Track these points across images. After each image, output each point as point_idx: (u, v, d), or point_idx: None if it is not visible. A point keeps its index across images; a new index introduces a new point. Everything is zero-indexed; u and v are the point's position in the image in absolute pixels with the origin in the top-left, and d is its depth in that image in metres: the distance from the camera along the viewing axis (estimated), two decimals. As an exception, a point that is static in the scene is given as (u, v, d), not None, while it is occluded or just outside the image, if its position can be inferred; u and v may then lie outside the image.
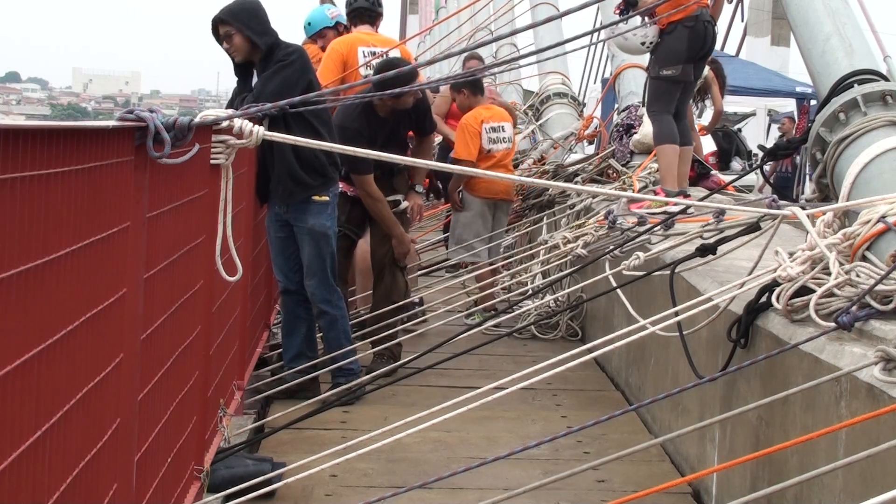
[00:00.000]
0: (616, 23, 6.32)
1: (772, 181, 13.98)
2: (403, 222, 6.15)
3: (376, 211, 5.98)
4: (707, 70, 8.38)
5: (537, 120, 10.54)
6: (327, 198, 5.25)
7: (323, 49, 7.31)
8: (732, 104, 21.22)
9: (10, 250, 1.77)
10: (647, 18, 6.23)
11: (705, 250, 4.19)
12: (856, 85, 4.08)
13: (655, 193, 6.47)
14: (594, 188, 6.65)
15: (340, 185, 5.66)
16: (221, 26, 5.06)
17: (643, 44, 6.35)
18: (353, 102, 5.71)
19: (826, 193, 4.11)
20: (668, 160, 6.39)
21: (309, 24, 7.68)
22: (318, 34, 7.60)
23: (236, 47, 5.08)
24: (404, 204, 6.12)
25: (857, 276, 3.13)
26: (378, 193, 5.92)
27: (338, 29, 7.53)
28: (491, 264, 7.15)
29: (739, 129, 19.88)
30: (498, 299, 7.25)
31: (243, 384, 5.05)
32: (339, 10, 7.68)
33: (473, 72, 8.09)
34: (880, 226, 3.24)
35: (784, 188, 15.01)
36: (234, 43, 5.06)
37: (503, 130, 7.41)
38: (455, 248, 7.50)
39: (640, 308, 4.40)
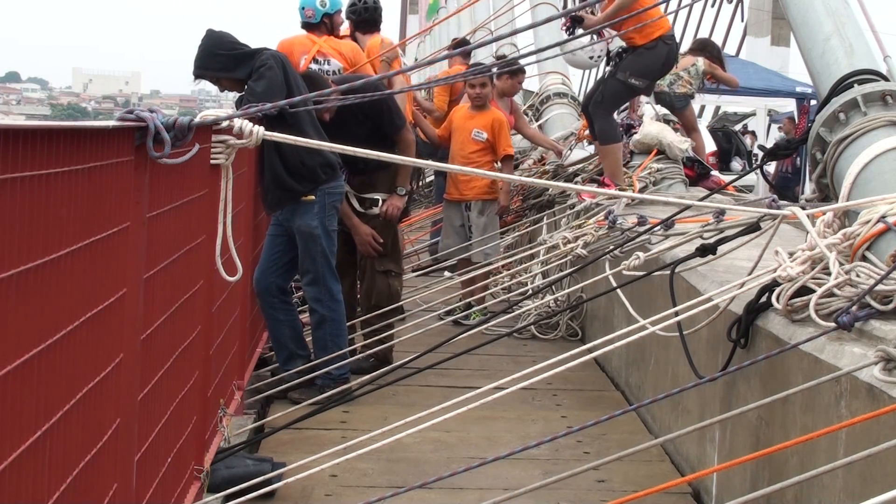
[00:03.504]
0: (566, 41, 6.47)
1: (773, 182, 13.99)
2: (375, 225, 5.97)
3: None
4: (701, 62, 8.44)
5: (537, 120, 10.53)
6: (313, 197, 5.23)
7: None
8: (732, 104, 21.22)
9: (11, 250, 1.77)
10: (595, 37, 6.40)
11: (705, 250, 4.19)
12: (856, 85, 4.07)
13: (602, 185, 6.89)
14: (594, 188, 6.64)
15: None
16: (203, 79, 5.14)
17: (591, 58, 6.55)
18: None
19: (826, 193, 4.11)
20: (615, 157, 7.08)
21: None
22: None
23: (227, 87, 5.24)
24: (375, 209, 5.99)
25: (857, 276, 3.13)
26: None
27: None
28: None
29: (753, 132, 19.92)
30: (498, 299, 7.24)
31: (243, 384, 5.05)
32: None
33: (486, 67, 8.11)
34: (880, 226, 3.24)
35: (784, 188, 15.01)
36: (224, 85, 5.21)
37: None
38: (484, 248, 7.42)
39: (640, 308, 4.40)
